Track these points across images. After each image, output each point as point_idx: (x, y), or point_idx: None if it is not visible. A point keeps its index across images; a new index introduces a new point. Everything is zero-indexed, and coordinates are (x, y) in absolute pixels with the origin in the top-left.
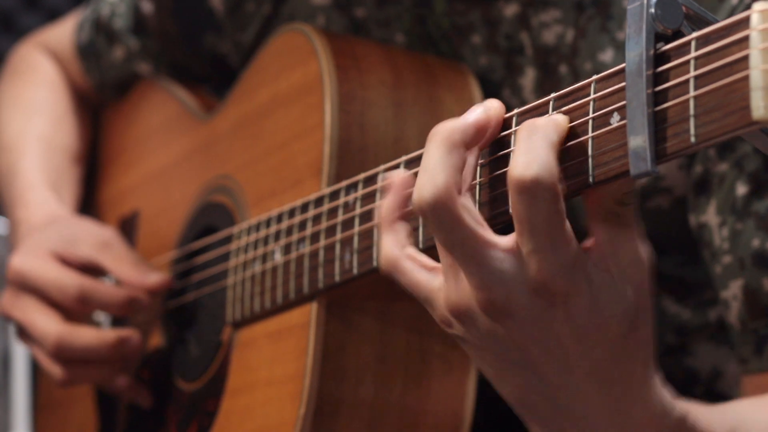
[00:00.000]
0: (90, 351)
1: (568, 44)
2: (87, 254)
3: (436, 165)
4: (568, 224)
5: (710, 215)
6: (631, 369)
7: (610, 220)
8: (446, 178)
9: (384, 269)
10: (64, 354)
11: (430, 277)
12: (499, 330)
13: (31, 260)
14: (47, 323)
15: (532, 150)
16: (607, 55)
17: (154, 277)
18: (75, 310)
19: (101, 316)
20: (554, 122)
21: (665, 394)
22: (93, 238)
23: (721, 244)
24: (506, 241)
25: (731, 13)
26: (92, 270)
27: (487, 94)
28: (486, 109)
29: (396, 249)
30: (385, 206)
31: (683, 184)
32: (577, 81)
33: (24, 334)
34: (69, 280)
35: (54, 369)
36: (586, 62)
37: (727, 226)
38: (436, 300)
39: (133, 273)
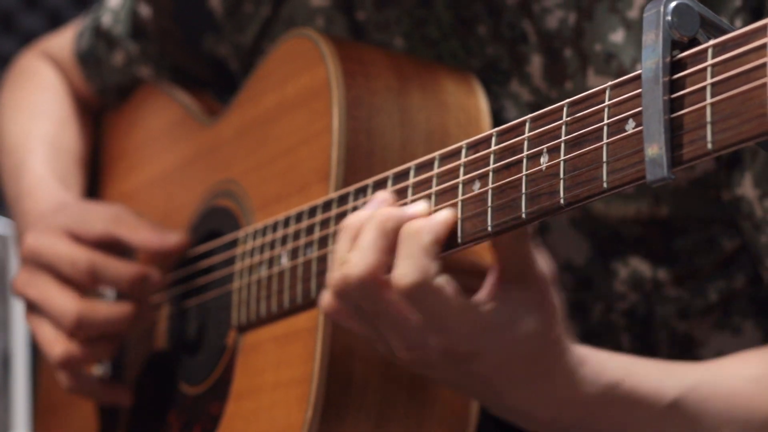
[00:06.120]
0: (109, 324)
1: (570, 27)
2: (101, 228)
3: (373, 243)
4: (460, 301)
5: (747, 188)
6: (549, 362)
7: (513, 251)
8: (377, 259)
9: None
10: (83, 330)
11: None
12: (427, 373)
13: (44, 237)
14: (65, 300)
15: (406, 257)
16: (619, 36)
17: (174, 237)
18: (86, 284)
19: (108, 293)
20: (430, 225)
21: (588, 368)
22: (105, 214)
23: (764, 216)
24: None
25: (733, 15)
26: (108, 246)
27: (496, 83)
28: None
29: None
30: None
31: (703, 163)
32: (583, 63)
33: (34, 312)
34: (81, 255)
35: (61, 346)
36: (596, 44)
37: None
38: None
39: (153, 237)
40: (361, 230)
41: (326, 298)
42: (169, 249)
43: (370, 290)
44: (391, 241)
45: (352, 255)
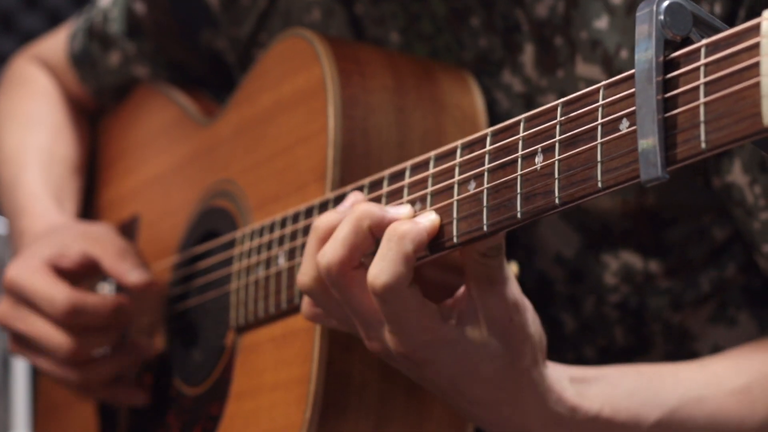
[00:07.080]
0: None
1: (560, 15)
2: (78, 250)
3: (344, 238)
4: (428, 308)
5: (736, 174)
6: (516, 390)
7: (479, 272)
8: (349, 252)
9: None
10: (78, 357)
11: None
12: (393, 365)
13: (24, 271)
14: (55, 334)
15: (386, 258)
16: (603, 22)
17: (135, 276)
18: (67, 323)
19: (106, 288)
20: (415, 230)
21: (563, 406)
22: (82, 235)
23: (756, 202)
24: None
25: (712, 1)
26: (91, 267)
27: (488, 75)
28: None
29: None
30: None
31: None
32: (572, 51)
33: (21, 344)
34: (58, 294)
35: (68, 374)
36: (582, 31)
37: (759, 184)
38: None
39: (116, 266)
40: (339, 223)
41: (303, 302)
42: (128, 286)
43: (337, 281)
44: (363, 240)
45: (326, 246)
